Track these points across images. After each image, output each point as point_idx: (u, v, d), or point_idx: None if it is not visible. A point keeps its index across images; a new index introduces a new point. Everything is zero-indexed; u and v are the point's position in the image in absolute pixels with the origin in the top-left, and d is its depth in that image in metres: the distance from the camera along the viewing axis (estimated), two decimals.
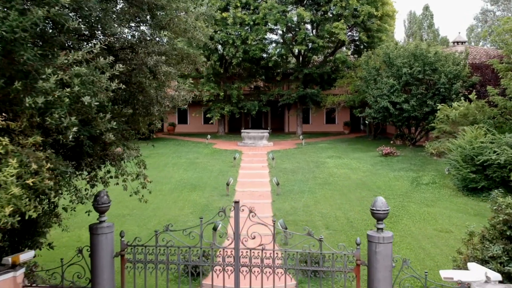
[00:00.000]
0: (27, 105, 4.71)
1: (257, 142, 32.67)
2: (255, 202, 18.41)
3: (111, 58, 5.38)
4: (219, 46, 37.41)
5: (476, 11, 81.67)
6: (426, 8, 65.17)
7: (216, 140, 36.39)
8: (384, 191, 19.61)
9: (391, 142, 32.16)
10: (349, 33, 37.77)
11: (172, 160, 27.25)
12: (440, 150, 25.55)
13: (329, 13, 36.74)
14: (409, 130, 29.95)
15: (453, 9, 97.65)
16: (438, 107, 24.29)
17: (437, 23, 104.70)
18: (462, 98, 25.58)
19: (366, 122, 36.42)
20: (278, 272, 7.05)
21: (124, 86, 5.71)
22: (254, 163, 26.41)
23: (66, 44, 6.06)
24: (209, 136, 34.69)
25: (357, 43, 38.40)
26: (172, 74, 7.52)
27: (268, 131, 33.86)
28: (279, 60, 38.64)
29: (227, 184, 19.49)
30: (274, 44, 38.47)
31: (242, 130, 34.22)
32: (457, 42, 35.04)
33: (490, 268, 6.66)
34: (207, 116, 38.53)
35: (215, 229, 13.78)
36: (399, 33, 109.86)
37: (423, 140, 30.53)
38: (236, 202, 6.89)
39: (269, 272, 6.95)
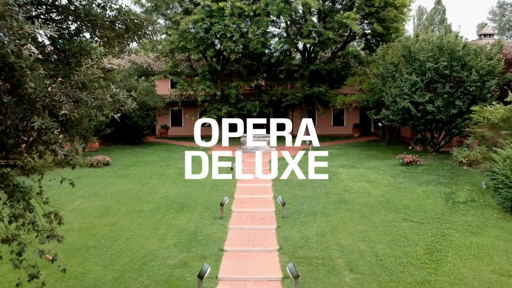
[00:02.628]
0: None
1: (258, 147, 28.95)
2: (256, 228, 14.76)
3: None
4: (216, 40, 33.70)
5: (486, 7, 77.97)
6: (438, 2, 61.30)
7: (212, 145, 32.57)
8: (414, 213, 15.88)
9: (410, 147, 28.45)
10: (359, 26, 33.92)
11: (160, 170, 23.57)
12: (472, 159, 21.92)
13: (337, 4, 33.08)
14: (432, 135, 26.18)
15: (461, 6, 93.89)
16: (474, 108, 20.53)
17: (448, 19, 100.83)
18: (496, 98, 21.99)
19: (379, 124, 32.67)
20: None
21: None
22: (255, 173, 22.67)
23: None
24: (204, 141, 30.89)
25: (368, 37, 34.57)
26: (85, 49, 3.77)
27: (270, 135, 30.08)
28: (282, 56, 34.93)
29: (221, 205, 15.78)
30: (276, 39, 34.67)
31: (241, 134, 30.46)
32: (485, 35, 31.32)
33: None
34: (202, 118, 34.78)
35: (201, 277, 10.10)
36: (408, 29, 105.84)
37: (447, 146, 26.80)
38: None
39: None
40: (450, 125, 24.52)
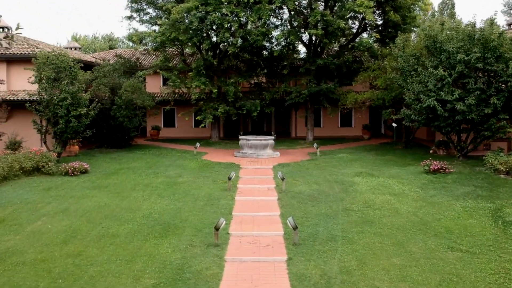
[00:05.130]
0: None
1: (260, 152, 25.62)
2: (260, 261, 11.41)
3: None
4: (212, 32, 30.36)
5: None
6: None
7: (207, 148, 29.28)
8: (460, 238, 12.54)
9: (431, 151, 25.13)
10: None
11: (146, 179, 20.19)
12: (511, 166, 18.70)
13: None
14: (459, 137, 22.80)
15: (468, 2, 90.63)
16: None
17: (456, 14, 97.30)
18: None
19: (393, 125, 29.35)
20: None
21: None
22: (257, 183, 19.41)
23: None
24: (198, 144, 27.58)
25: (380, 28, 31.13)
26: None
27: (273, 137, 26.78)
28: (285, 49, 31.50)
29: (216, 229, 12.41)
30: (279, 31, 31.24)
31: (240, 137, 27.16)
32: None
33: None
34: (197, 118, 31.36)
35: None
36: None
37: (473, 150, 23.41)
38: None
39: None
40: (482, 126, 21.22)
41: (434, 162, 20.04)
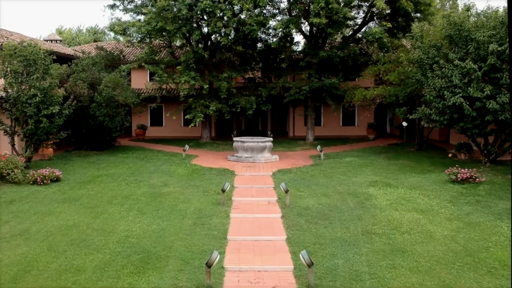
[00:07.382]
0: None
1: (257, 155, 22.71)
2: None
3: None
4: (202, 22, 27.39)
5: None
6: None
7: (198, 151, 26.31)
8: None
9: (449, 155, 22.37)
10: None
11: (125, 190, 17.24)
12: None
13: None
14: (486, 140, 20.02)
15: None
16: None
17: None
18: None
19: (404, 125, 26.60)
20: None
21: None
22: (255, 195, 16.56)
23: None
24: (187, 147, 24.56)
25: (387, 18, 28.22)
26: None
27: (271, 139, 23.91)
28: (282, 41, 28.58)
29: (209, 266, 9.52)
30: (275, 22, 28.26)
31: (234, 138, 24.24)
32: None
33: None
34: (186, 117, 28.38)
35: None
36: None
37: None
38: None
39: None
40: None
41: (462, 169, 17.25)
